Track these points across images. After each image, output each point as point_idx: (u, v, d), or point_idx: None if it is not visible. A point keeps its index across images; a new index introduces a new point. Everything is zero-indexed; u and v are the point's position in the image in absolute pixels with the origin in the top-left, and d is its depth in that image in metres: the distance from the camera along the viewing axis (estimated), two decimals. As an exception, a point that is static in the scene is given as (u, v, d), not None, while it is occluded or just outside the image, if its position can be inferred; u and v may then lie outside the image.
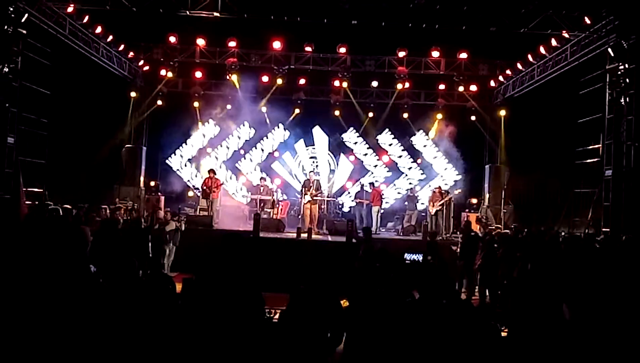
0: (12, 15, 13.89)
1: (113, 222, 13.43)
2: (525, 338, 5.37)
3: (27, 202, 14.41)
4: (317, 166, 23.14)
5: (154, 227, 14.74)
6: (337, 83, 20.96)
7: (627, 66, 14.06)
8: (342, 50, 19.35)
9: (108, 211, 16.20)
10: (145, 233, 13.75)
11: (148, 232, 13.97)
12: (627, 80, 14.11)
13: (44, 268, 6.43)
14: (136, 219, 15.47)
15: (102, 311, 5.54)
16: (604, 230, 14.32)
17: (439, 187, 19.73)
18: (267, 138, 23.73)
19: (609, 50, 14.54)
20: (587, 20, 14.95)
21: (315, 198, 18.19)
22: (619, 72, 14.29)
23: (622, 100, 14.31)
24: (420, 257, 15.10)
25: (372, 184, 21.31)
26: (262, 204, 19.32)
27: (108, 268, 6.63)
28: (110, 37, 18.14)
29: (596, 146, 16.20)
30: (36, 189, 15.96)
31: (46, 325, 5.38)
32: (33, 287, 5.87)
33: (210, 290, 5.76)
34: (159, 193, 20.34)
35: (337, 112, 22.92)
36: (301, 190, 18.66)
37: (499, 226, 17.08)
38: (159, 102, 22.00)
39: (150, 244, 13.69)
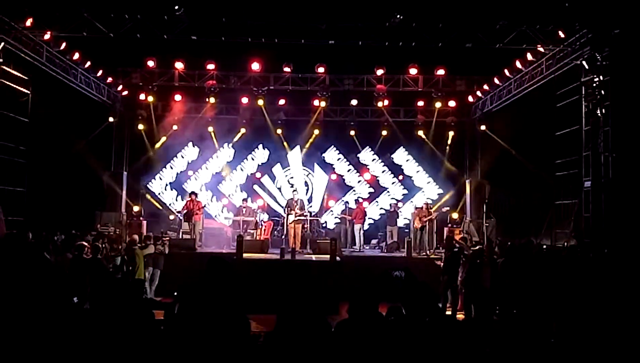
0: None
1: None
2: (514, 353, 5.39)
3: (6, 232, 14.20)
4: (295, 190, 23.06)
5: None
6: (316, 103, 21.04)
7: (601, 78, 14.29)
8: (321, 70, 19.46)
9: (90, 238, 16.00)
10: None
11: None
12: (602, 92, 14.33)
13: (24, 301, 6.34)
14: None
15: (84, 341, 5.47)
16: (585, 240, 14.42)
17: (427, 203, 19.49)
18: (248, 159, 23.72)
19: (584, 63, 14.75)
20: (561, 34, 15.14)
21: (299, 217, 18.13)
22: (594, 85, 14.52)
23: (599, 112, 14.51)
24: (402, 273, 15.12)
25: (356, 201, 21.34)
26: (245, 226, 19.21)
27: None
28: (88, 63, 18.06)
29: (575, 157, 16.35)
30: (16, 218, 15.79)
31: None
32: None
33: (193, 315, 5.70)
34: (141, 218, 20.17)
35: (317, 131, 23.00)
36: (284, 210, 18.62)
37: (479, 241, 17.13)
38: (140, 127, 21.90)
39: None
